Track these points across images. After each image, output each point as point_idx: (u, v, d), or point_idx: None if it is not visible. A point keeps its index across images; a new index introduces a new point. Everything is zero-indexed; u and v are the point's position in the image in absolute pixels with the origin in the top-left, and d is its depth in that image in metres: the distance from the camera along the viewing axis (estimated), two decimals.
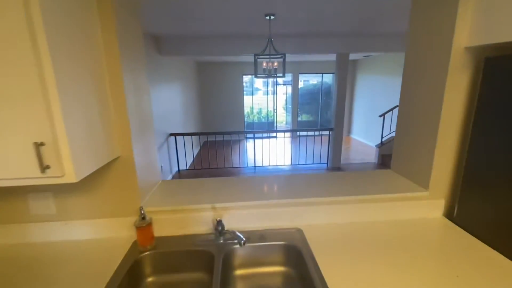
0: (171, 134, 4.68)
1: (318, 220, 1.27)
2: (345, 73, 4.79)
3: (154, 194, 1.32)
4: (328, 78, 10.02)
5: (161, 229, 1.19)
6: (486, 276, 0.90)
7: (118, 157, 1.12)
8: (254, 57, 2.80)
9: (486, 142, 1.08)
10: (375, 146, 5.51)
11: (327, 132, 5.33)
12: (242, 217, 1.23)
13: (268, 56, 2.81)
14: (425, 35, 1.27)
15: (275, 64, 2.97)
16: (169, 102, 4.66)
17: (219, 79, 8.17)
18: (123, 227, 1.17)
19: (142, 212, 1.08)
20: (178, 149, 4.88)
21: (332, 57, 7.17)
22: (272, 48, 2.84)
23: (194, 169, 5.18)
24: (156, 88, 4.05)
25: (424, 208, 1.31)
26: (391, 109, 5.22)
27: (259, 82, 11.52)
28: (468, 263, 0.96)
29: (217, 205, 1.21)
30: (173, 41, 4.19)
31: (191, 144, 5.64)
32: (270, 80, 9.84)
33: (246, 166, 5.37)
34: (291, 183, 1.46)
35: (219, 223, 1.11)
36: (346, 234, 1.18)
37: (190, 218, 1.20)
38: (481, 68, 1.09)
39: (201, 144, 7.56)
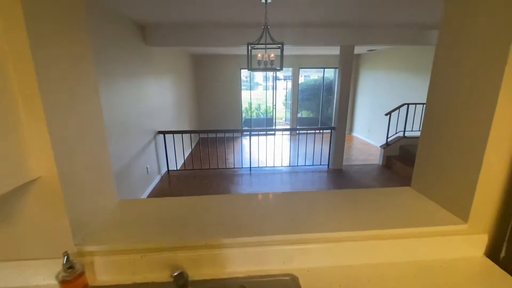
0: (159, 132, 4.34)
1: (320, 262, 0.93)
2: (350, 68, 4.43)
3: (101, 224, 0.98)
4: (330, 73, 9.64)
5: (103, 275, 0.86)
6: None
7: (38, 178, 0.78)
8: (248, 46, 2.44)
9: None
10: (380, 146, 5.17)
11: (328, 130, 4.99)
12: (216, 259, 0.89)
13: (263, 46, 2.44)
14: (469, 27, 0.92)
15: (272, 55, 2.60)
16: (158, 97, 4.31)
17: (215, 73, 7.79)
18: (45, 272, 0.84)
19: (67, 260, 0.75)
20: (168, 148, 4.54)
21: (335, 50, 6.79)
22: (269, 37, 2.48)
23: (185, 169, 4.85)
24: (142, 81, 3.69)
25: (460, 244, 0.99)
26: (398, 108, 4.87)
27: (259, 77, 11.13)
28: None
29: (183, 242, 0.88)
30: (160, 29, 3.82)
31: (184, 142, 5.30)
32: (270, 74, 9.46)
33: (241, 167, 5.04)
34: (287, 206, 1.12)
35: (180, 276, 0.77)
36: (358, 281, 0.85)
37: (143, 261, 0.87)
38: None
39: (196, 142, 7.22)
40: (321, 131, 5.23)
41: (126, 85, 3.21)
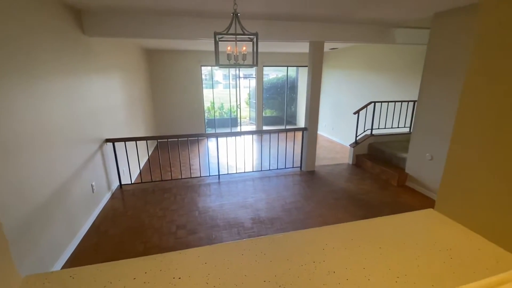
0: (107, 140, 3.63)
1: None
2: (320, 65, 4.23)
3: None
4: (293, 72, 9.56)
5: None
6: None
7: None
8: (215, 37, 2.00)
9: None
10: (349, 145, 5.12)
11: (298, 131, 4.77)
12: None
13: (233, 36, 2.02)
14: None
15: (244, 48, 2.20)
16: (104, 98, 3.59)
17: (173, 71, 7.08)
18: None
19: None
20: (119, 158, 3.84)
21: (299, 48, 6.65)
22: (239, 27, 2.07)
23: (141, 182, 4.18)
24: (81, 79, 2.98)
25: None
26: (365, 106, 4.86)
27: (219, 75, 10.60)
28: None
29: None
30: (101, 16, 3.12)
31: (139, 149, 4.59)
32: (232, 72, 9.01)
33: (208, 175, 4.54)
34: (268, 268, 0.74)
35: None
36: None
37: None
38: None
39: (154, 147, 6.46)
40: (293, 132, 4.98)
41: (58, 85, 2.51)
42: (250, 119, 10.07)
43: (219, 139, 4.73)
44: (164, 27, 3.33)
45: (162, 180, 4.19)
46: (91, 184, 3.12)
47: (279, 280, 0.69)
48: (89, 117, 3.13)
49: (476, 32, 0.86)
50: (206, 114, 8.11)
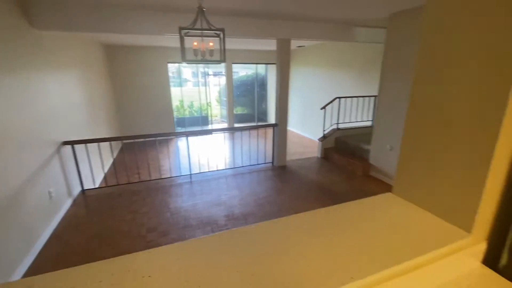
0: (65, 143, 3.36)
1: None
2: (288, 63, 4.33)
3: None
4: (261, 69, 9.65)
5: None
6: None
7: None
8: (180, 32, 1.94)
9: None
10: (318, 139, 5.32)
11: (269, 127, 4.85)
12: None
13: (199, 31, 1.99)
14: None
15: (211, 44, 2.17)
16: (60, 98, 3.31)
17: (139, 68, 6.74)
18: None
19: None
20: (80, 161, 3.58)
21: (267, 45, 6.72)
22: (205, 22, 2.04)
23: (107, 186, 3.94)
24: (31, 77, 2.72)
25: (463, 258, 0.82)
26: (331, 101, 5.08)
27: (187, 73, 10.33)
28: None
29: None
30: (52, 7, 2.87)
31: (102, 151, 4.33)
32: (200, 70, 8.84)
33: (180, 175, 4.43)
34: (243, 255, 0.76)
35: None
36: None
37: None
38: None
39: (119, 149, 6.12)
40: (263, 128, 5.04)
41: (1, 83, 2.27)
42: (221, 117, 9.99)
43: (190, 138, 4.63)
44: (125, 21, 3.16)
45: (129, 183, 4.00)
46: (49, 191, 2.87)
47: (252, 269, 0.71)
48: (42, 118, 2.87)
49: (420, 33, 0.94)
50: (175, 113, 7.87)
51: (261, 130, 6.01)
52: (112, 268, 0.72)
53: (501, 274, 0.82)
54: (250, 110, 10.29)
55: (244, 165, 4.76)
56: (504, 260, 0.85)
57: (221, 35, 2.12)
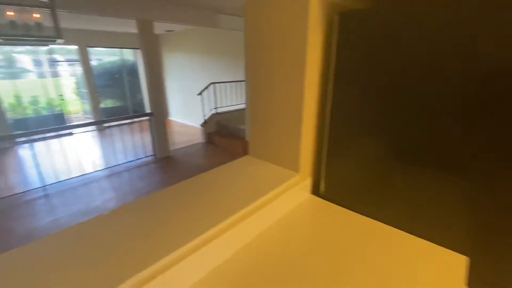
0: None
1: (190, 279, 0.70)
2: (154, 47, 4.05)
3: None
4: (130, 55, 8.60)
5: None
6: (356, 239, 0.85)
7: None
8: None
9: (346, 108, 0.98)
10: (200, 125, 5.39)
11: (145, 118, 4.47)
12: None
13: None
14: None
15: (37, 15, 1.72)
16: None
17: None
18: None
19: None
20: None
21: (131, 27, 5.99)
22: None
23: None
24: None
25: (297, 192, 1.11)
26: (206, 87, 5.20)
27: (25, 61, 7.88)
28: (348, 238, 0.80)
29: None
30: None
31: None
32: (45, 56, 6.94)
33: (29, 189, 3.44)
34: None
35: None
36: (236, 274, 0.71)
37: None
38: (337, 25, 0.94)
39: None
40: (138, 119, 4.61)
41: None
42: (84, 113, 8.32)
43: (39, 142, 3.65)
44: None
45: None
46: None
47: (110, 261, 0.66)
48: None
49: (245, 26, 1.11)
50: (9, 113, 5.93)
51: (142, 123, 5.47)
52: None
53: (323, 198, 1.16)
54: (122, 102, 9.06)
55: (120, 163, 4.23)
56: (322, 187, 1.18)
57: (51, 6, 1.72)
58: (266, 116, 1.17)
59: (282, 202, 1.01)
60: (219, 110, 5.53)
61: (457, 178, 0.79)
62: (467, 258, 0.80)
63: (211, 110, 5.44)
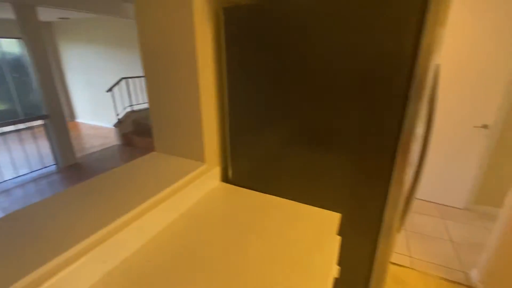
0: None
1: (90, 278, 0.66)
2: (40, 36, 3.39)
3: None
4: (13, 46, 6.96)
5: None
6: (257, 214, 0.96)
7: None
8: None
9: (242, 100, 1.07)
10: (113, 126, 4.85)
11: (38, 122, 3.74)
12: None
13: None
14: None
15: None
16: None
17: None
18: None
19: None
20: None
21: (6, 13, 4.82)
22: None
23: None
24: None
25: (206, 181, 1.16)
26: (117, 83, 4.70)
27: None
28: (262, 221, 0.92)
29: None
30: None
31: None
32: None
33: None
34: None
35: None
36: (139, 268, 0.71)
37: None
38: (222, 19, 1.00)
39: None
40: (30, 124, 3.85)
41: None
42: None
43: None
44: None
45: None
46: None
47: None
48: None
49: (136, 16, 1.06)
50: None
51: (38, 129, 4.56)
52: None
53: (232, 183, 1.23)
54: (8, 104, 7.32)
55: (7, 179, 3.46)
56: (230, 174, 1.25)
57: None
58: (167, 112, 1.16)
59: (191, 191, 1.04)
60: (136, 108, 5.09)
61: (331, 154, 0.96)
62: (340, 214, 0.99)
63: (125, 108, 4.96)
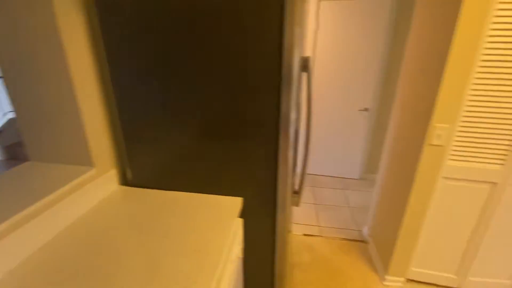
0: None
1: None
2: None
3: None
4: None
5: None
6: (160, 211, 0.95)
7: None
8: None
9: (131, 89, 0.99)
10: None
11: None
12: None
13: None
14: None
15: None
16: None
17: None
18: None
19: None
20: None
21: None
22: None
23: None
24: None
25: (100, 186, 1.05)
26: None
27: None
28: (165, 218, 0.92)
29: None
30: None
31: None
32: None
33: None
34: None
35: None
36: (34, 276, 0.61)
37: None
38: (94, 8, 0.91)
39: None
40: None
41: None
42: None
43: None
44: None
45: None
46: None
47: None
48: None
49: None
50: None
51: None
52: None
53: (132, 185, 1.14)
54: None
55: None
56: (129, 176, 1.15)
57: None
58: (37, 111, 0.98)
59: (76, 200, 0.92)
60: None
61: (226, 143, 1.00)
62: (241, 198, 1.05)
63: (5, 114, 4.00)
